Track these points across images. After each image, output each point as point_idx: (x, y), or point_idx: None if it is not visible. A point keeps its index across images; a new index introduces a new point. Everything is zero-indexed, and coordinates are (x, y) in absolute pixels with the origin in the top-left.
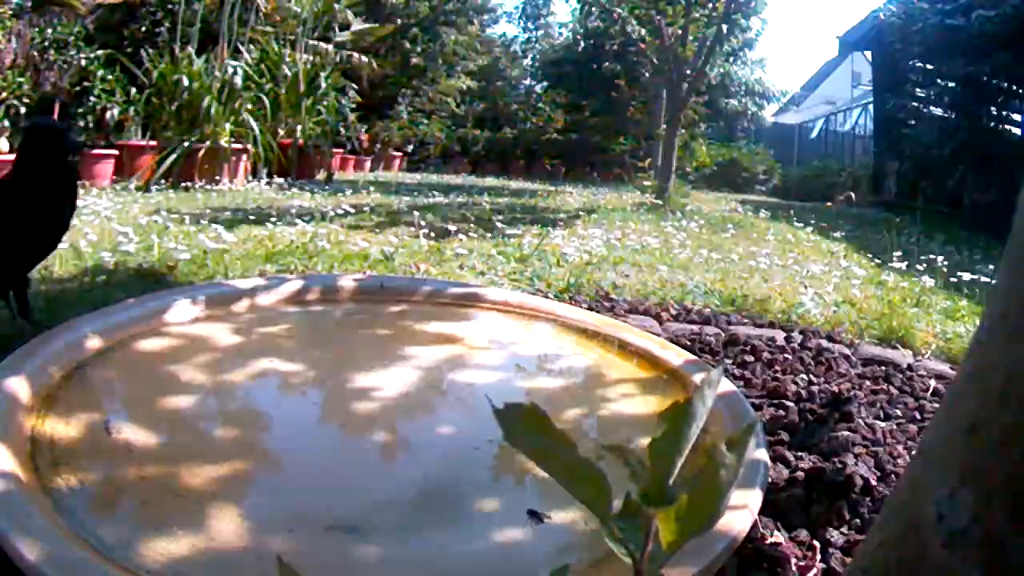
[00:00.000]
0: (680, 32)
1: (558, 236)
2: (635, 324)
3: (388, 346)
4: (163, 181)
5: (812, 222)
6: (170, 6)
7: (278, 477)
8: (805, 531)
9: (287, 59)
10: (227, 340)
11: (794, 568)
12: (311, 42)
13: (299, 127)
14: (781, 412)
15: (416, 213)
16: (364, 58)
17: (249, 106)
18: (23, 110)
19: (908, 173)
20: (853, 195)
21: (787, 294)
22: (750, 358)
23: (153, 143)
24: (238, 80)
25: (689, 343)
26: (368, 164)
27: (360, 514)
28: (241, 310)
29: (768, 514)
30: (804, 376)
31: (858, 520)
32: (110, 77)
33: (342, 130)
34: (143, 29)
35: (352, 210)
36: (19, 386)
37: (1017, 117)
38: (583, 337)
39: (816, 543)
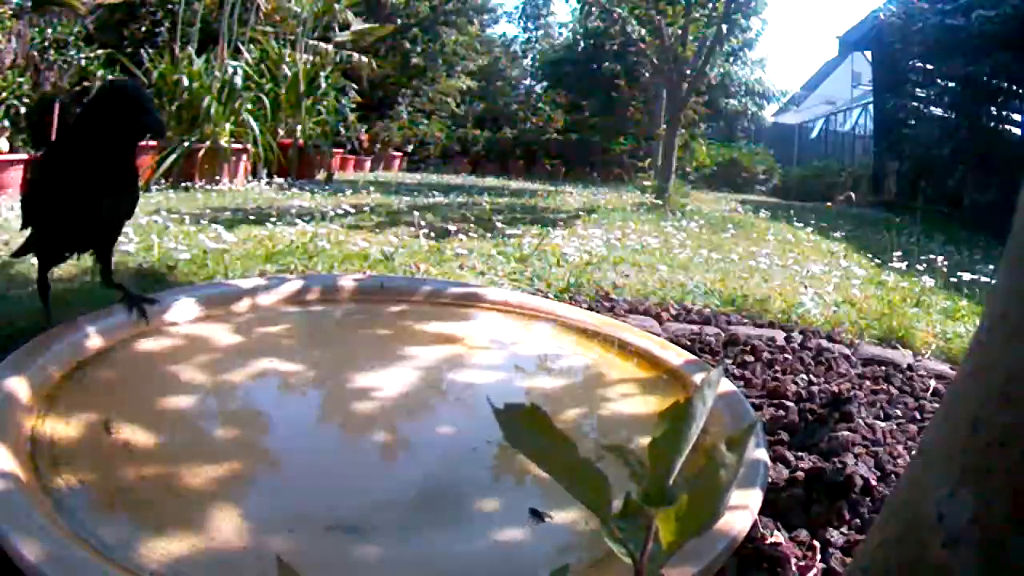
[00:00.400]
0: (680, 32)
1: (558, 236)
2: (635, 324)
3: (388, 346)
4: (163, 181)
5: (812, 222)
6: (170, 6)
7: (278, 477)
8: (805, 531)
9: (287, 59)
10: (227, 340)
11: (794, 568)
12: (311, 42)
13: (299, 127)
14: (781, 412)
15: (416, 213)
16: (364, 58)
17: (249, 106)
18: (23, 110)
19: (908, 173)
20: (853, 195)
21: (787, 294)
22: (750, 358)
23: (153, 143)
24: (238, 80)
25: (689, 343)
26: (368, 164)
27: (360, 514)
28: (241, 310)
29: (768, 514)
30: (804, 376)
31: (858, 520)
32: (110, 77)
33: (342, 130)
34: (143, 29)
35: (352, 210)
36: (19, 386)
37: (1017, 117)
38: (583, 337)
39: (816, 543)
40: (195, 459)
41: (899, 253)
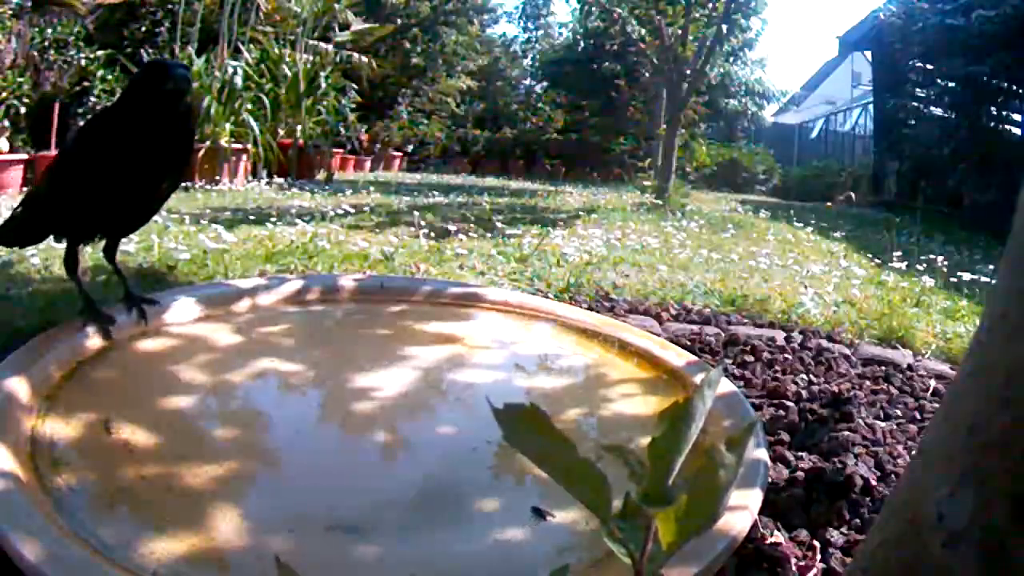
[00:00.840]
0: (680, 32)
1: (558, 236)
2: (635, 324)
3: (388, 346)
4: None
5: (812, 222)
6: (170, 6)
7: (278, 477)
8: (805, 531)
9: (287, 59)
10: (227, 340)
11: (794, 568)
12: (311, 42)
13: (299, 127)
14: (781, 412)
15: (416, 213)
16: (364, 58)
17: (249, 106)
18: (23, 110)
19: (908, 173)
20: (853, 195)
21: (787, 294)
22: (750, 358)
23: None
24: (238, 80)
25: (689, 343)
26: (368, 164)
27: (360, 514)
28: (241, 310)
29: (768, 514)
30: (804, 376)
31: (858, 520)
32: (110, 77)
33: (342, 130)
34: (143, 29)
35: (352, 210)
36: (19, 386)
37: (1017, 117)
38: (583, 337)
39: (816, 543)
40: (195, 459)
41: (899, 253)
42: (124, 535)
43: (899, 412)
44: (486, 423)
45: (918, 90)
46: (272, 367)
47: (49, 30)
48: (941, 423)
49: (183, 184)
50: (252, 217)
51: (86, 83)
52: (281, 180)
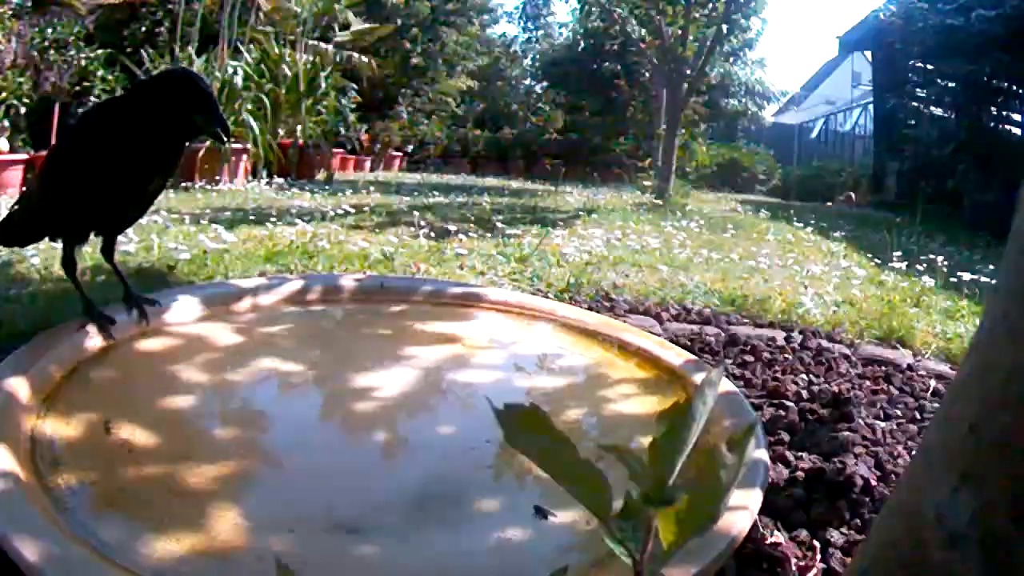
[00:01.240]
0: (680, 32)
1: (558, 236)
2: (635, 324)
3: (388, 346)
4: None
5: (812, 222)
6: (170, 6)
7: (278, 477)
8: (805, 531)
9: (287, 59)
10: (227, 340)
11: (794, 568)
12: (311, 42)
13: (299, 127)
14: (781, 412)
15: (416, 213)
16: (364, 58)
17: (249, 106)
18: (23, 110)
19: (908, 173)
20: (853, 195)
21: (787, 294)
22: (750, 358)
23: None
24: (238, 80)
25: (689, 343)
26: (368, 164)
27: (360, 514)
28: (241, 310)
29: (768, 514)
30: (804, 376)
31: (858, 520)
32: (110, 77)
33: (342, 130)
34: (143, 29)
35: (352, 210)
36: (19, 386)
37: (1017, 117)
38: (583, 337)
39: (816, 543)
40: (195, 459)
41: (899, 253)
42: (124, 535)
43: (899, 412)
44: (486, 423)
45: (918, 90)
46: (272, 367)
47: (49, 30)
48: (941, 423)
49: (183, 184)
50: (252, 217)
51: (86, 83)
52: (281, 180)
